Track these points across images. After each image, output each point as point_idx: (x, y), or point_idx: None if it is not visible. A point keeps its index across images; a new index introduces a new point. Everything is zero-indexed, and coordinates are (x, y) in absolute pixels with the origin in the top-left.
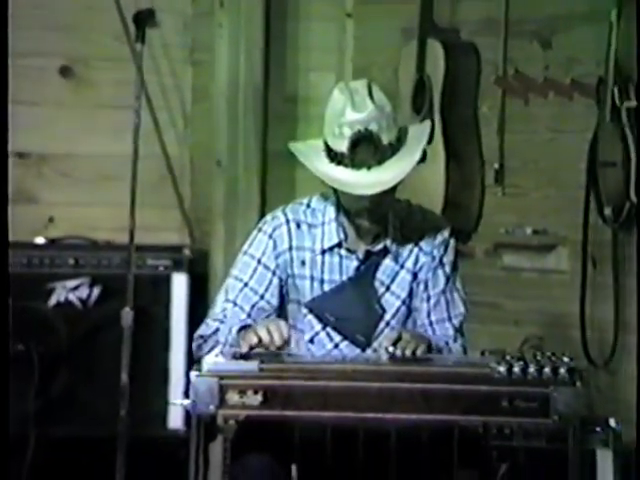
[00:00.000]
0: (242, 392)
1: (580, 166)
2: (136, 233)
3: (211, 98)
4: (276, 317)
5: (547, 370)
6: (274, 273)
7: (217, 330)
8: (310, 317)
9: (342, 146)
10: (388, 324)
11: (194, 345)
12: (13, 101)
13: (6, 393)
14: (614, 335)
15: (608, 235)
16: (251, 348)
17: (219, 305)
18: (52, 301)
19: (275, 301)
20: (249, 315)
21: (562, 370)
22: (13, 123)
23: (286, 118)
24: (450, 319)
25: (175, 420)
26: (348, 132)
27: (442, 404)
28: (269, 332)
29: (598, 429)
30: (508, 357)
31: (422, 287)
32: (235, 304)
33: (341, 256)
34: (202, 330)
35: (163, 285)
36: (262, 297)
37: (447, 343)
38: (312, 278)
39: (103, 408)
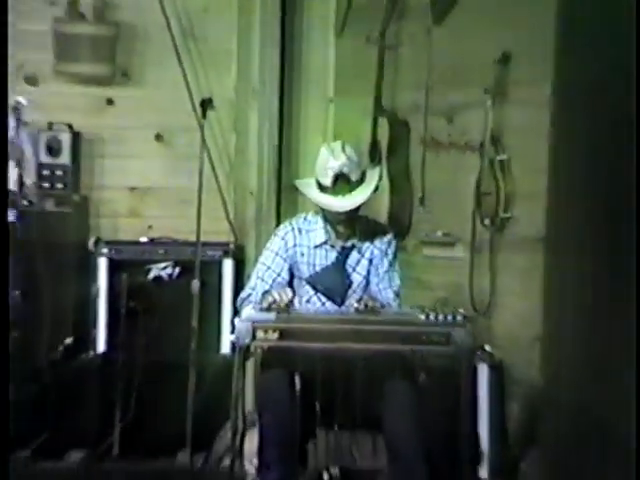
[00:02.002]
0: (265, 331)
1: (470, 194)
2: (201, 235)
3: (246, 152)
4: (286, 287)
5: (449, 317)
6: (285, 260)
7: (250, 295)
8: (307, 287)
9: (327, 182)
10: (354, 291)
11: (237, 303)
12: (129, 156)
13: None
14: (490, 295)
15: (487, 236)
16: (270, 305)
17: (252, 280)
18: (150, 276)
19: (286, 277)
20: (270, 286)
21: (459, 317)
22: (127, 169)
23: (292, 165)
24: (391, 287)
25: (225, 348)
26: (330, 173)
27: (387, 338)
28: (280, 295)
29: (479, 352)
30: (426, 310)
31: (374, 269)
32: (262, 280)
33: (326, 250)
34: (242, 295)
35: (217, 267)
36: (279, 275)
37: (389, 302)
38: (308, 263)
39: (182, 342)
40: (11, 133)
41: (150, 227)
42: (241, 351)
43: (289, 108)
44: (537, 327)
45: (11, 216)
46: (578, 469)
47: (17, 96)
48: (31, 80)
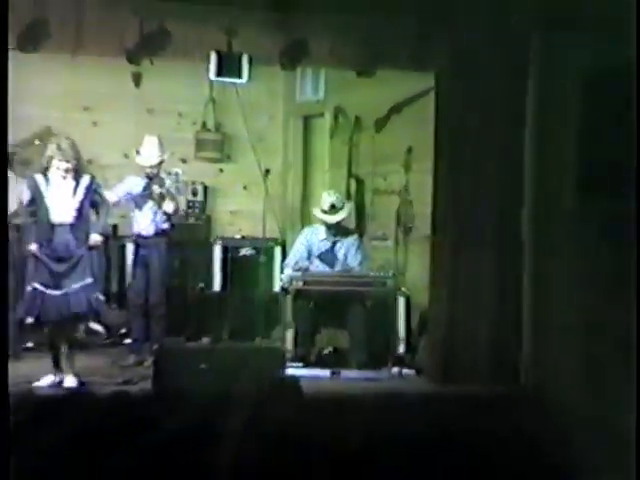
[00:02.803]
0: (297, 281)
1: (394, 215)
2: (265, 233)
3: (286, 196)
4: (305, 259)
5: (385, 274)
6: (306, 246)
7: (287, 265)
8: (317, 260)
9: (325, 208)
10: (339, 263)
11: (283, 266)
12: (230, 197)
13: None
14: (403, 265)
15: (401, 235)
16: (299, 268)
17: (290, 255)
18: (240, 253)
19: (305, 255)
20: (299, 259)
21: (389, 274)
22: (229, 203)
23: (309, 201)
24: (357, 261)
25: (277, 289)
26: (327, 204)
27: (353, 284)
28: (302, 263)
29: (398, 291)
30: (374, 271)
31: (349, 252)
32: (295, 255)
33: (325, 241)
34: (285, 262)
35: (272, 250)
36: (303, 253)
37: (355, 268)
38: (318, 248)
39: (256, 285)
40: (176, 186)
41: (240, 230)
42: (286, 291)
43: (305, 172)
44: (425, 280)
45: (167, 225)
46: None
47: (177, 169)
48: (184, 161)
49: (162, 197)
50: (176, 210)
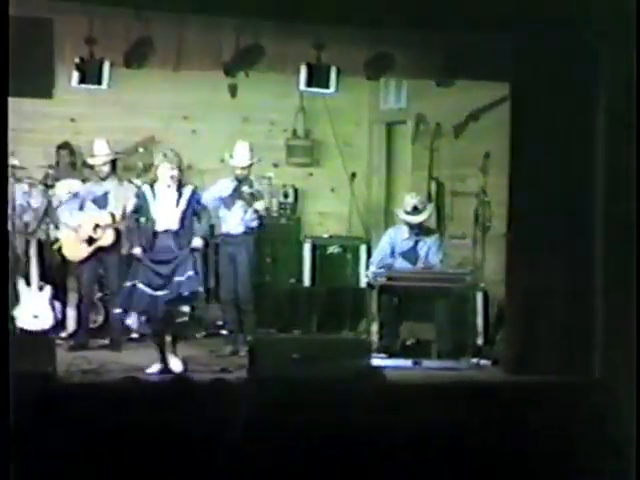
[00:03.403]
0: (381, 278)
1: (472, 216)
2: (350, 233)
3: (371, 196)
4: (389, 257)
5: (464, 270)
6: (390, 244)
7: (372, 262)
8: (400, 258)
9: (408, 209)
10: (420, 260)
11: (370, 263)
12: (320, 199)
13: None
14: (481, 261)
15: (479, 234)
16: (383, 265)
17: (376, 253)
18: (328, 251)
19: (389, 252)
20: (384, 256)
21: (468, 270)
22: (317, 205)
23: (393, 202)
24: (438, 258)
25: (362, 285)
26: (409, 206)
27: (435, 279)
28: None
29: (477, 286)
30: (454, 268)
31: (430, 250)
32: (380, 253)
33: (408, 240)
34: (371, 259)
35: (358, 248)
36: (387, 250)
37: (436, 265)
38: (401, 246)
39: (343, 278)
40: (269, 189)
41: (328, 230)
42: (372, 285)
43: (389, 175)
44: (502, 275)
45: (256, 223)
46: None
47: (270, 173)
48: (275, 165)
49: (252, 197)
50: (266, 208)
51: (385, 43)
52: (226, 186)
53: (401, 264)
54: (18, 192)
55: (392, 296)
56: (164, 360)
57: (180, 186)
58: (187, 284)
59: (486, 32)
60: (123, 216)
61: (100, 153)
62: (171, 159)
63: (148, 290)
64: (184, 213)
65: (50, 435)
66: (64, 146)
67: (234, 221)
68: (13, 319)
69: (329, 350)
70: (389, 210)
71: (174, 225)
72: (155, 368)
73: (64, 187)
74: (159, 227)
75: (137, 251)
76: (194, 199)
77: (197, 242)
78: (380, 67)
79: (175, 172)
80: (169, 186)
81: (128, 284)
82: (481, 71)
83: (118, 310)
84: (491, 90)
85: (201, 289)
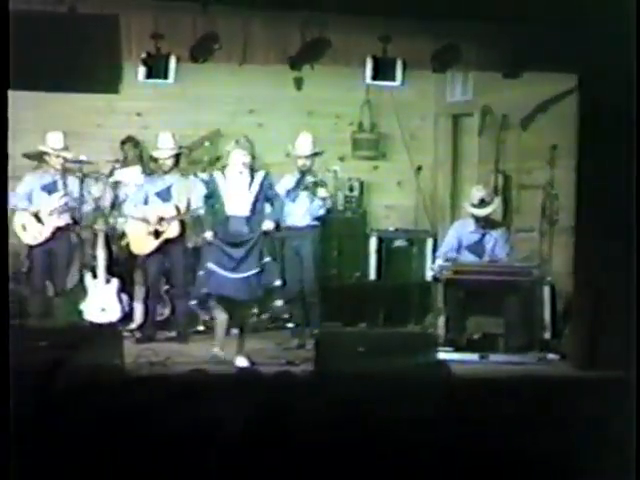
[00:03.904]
0: (447, 271)
1: (539, 208)
2: (418, 226)
3: (436, 190)
4: (455, 250)
5: (532, 264)
6: (457, 238)
7: (438, 256)
8: (466, 251)
9: (475, 202)
10: (487, 253)
11: (436, 256)
12: (386, 192)
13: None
14: (547, 254)
15: (546, 227)
16: (448, 259)
17: (442, 246)
18: (394, 245)
19: (457, 247)
20: (449, 250)
21: (535, 264)
22: (385, 197)
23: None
24: (505, 252)
25: (428, 278)
26: (476, 199)
27: (503, 273)
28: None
29: (544, 280)
30: (520, 261)
31: (497, 242)
32: (446, 246)
33: (475, 233)
34: (437, 253)
35: (424, 242)
36: (453, 245)
37: (503, 258)
38: (467, 239)
39: (410, 271)
40: (334, 183)
41: (394, 223)
42: (437, 279)
43: (455, 168)
44: (570, 269)
45: (322, 211)
46: None
47: (336, 167)
48: (341, 159)
49: (316, 185)
50: (330, 195)
51: (451, 35)
52: (289, 180)
53: (467, 257)
54: (86, 187)
55: (458, 290)
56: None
57: (252, 172)
58: (266, 271)
59: (553, 23)
60: (187, 208)
61: (165, 146)
62: (243, 145)
63: (222, 271)
64: (256, 198)
65: (117, 428)
66: (128, 140)
67: (299, 213)
68: (81, 312)
69: (395, 344)
70: (455, 203)
71: (246, 210)
72: (219, 354)
73: (124, 175)
74: (230, 212)
75: (208, 235)
76: (266, 184)
77: (268, 225)
78: (446, 59)
79: (247, 158)
80: (241, 172)
81: (201, 272)
82: (549, 62)
83: (194, 300)
84: (559, 82)
85: (278, 281)
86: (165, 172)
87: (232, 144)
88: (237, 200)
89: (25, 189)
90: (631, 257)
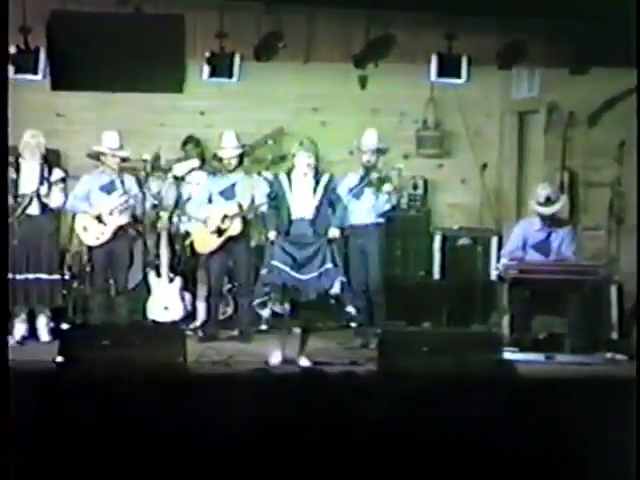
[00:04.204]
0: (513, 270)
1: (606, 207)
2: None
3: (502, 187)
4: (520, 249)
5: (597, 263)
6: (522, 237)
7: (503, 254)
8: (531, 250)
9: (541, 200)
10: (553, 252)
11: (501, 255)
12: (449, 190)
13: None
14: (616, 251)
15: (614, 225)
16: (513, 257)
17: (507, 245)
18: (459, 243)
19: (522, 246)
20: (514, 248)
21: (601, 263)
22: (448, 196)
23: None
24: (571, 250)
25: (493, 277)
26: (542, 197)
27: (569, 272)
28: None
29: (612, 279)
30: (586, 262)
31: (563, 240)
32: (511, 244)
33: (541, 232)
34: (502, 252)
35: (489, 240)
36: (519, 243)
37: (569, 258)
38: (533, 238)
39: (472, 271)
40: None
41: (458, 221)
42: (501, 278)
43: (520, 166)
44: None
45: (388, 206)
46: None
47: (400, 165)
48: (406, 157)
49: (380, 181)
50: (394, 188)
51: (517, 31)
52: (354, 176)
53: (533, 256)
54: (146, 185)
55: (524, 289)
56: (288, 352)
57: (317, 174)
58: (325, 277)
59: (618, 19)
60: (251, 206)
61: (228, 145)
62: (307, 147)
63: (286, 269)
64: (320, 201)
65: (179, 427)
66: (189, 140)
67: (364, 210)
68: (144, 311)
69: (459, 343)
70: (521, 201)
71: (310, 213)
72: (276, 359)
73: (184, 168)
74: (295, 215)
75: (272, 235)
76: (330, 187)
77: (334, 233)
78: (512, 56)
79: (311, 160)
80: (305, 174)
81: (264, 270)
82: (615, 59)
83: (257, 298)
84: (626, 78)
85: (338, 284)
86: (230, 171)
87: (296, 146)
88: (301, 203)
89: (83, 190)
90: None
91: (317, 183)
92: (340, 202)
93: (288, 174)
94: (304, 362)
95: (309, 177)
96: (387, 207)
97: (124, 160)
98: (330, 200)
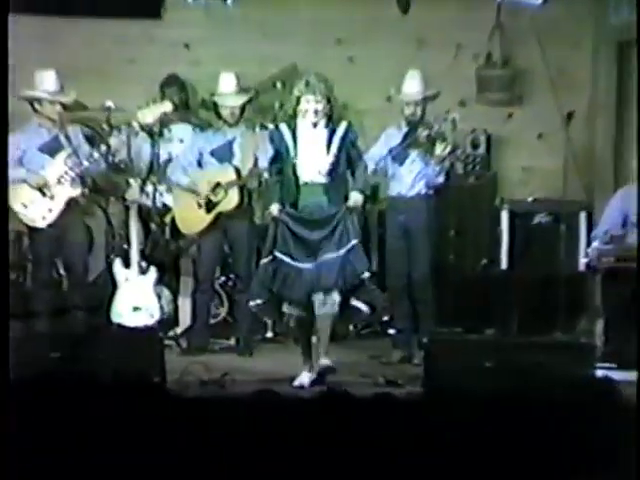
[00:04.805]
0: (609, 257)
1: None
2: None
3: (594, 150)
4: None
5: None
6: (622, 213)
7: (595, 236)
8: (637, 232)
9: None
10: None
11: (591, 238)
12: (518, 149)
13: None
14: None
15: None
16: (608, 242)
17: (599, 227)
18: (534, 221)
19: (622, 224)
20: (608, 232)
21: None
22: (518, 157)
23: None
24: None
25: (582, 267)
26: None
27: None
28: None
29: None
30: None
31: None
32: (605, 226)
33: None
34: (592, 234)
35: (577, 217)
36: (616, 223)
37: None
38: (636, 216)
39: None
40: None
41: (533, 191)
42: (593, 268)
43: (619, 115)
44: None
45: (440, 178)
46: None
47: (454, 114)
48: (462, 103)
49: (431, 140)
50: (452, 151)
51: None
52: (394, 135)
53: (637, 239)
54: (114, 143)
55: (623, 283)
56: (312, 367)
57: (330, 124)
58: (351, 258)
59: None
60: (251, 172)
61: (228, 91)
62: (315, 87)
63: (292, 262)
64: (336, 159)
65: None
66: (170, 82)
67: (408, 178)
68: (108, 312)
69: (535, 357)
70: (619, 163)
71: (323, 176)
72: (303, 379)
73: (151, 114)
74: (304, 179)
75: (274, 209)
76: (348, 140)
77: (356, 199)
78: None
79: (321, 105)
80: (315, 125)
81: (264, 260)
82: None
83: (254, 299)
84: None
85: (366, 272)
86: (229, 125)
87: (300, 86)
88: (311, 164)
89: (15, 152)
90: None
91: (332, 135)
92: (362, 160)
93: (289, 125)
94: (324, 361)
95: (319, 128)
96: (439, 180)
97: (66, 108)
98: (349, 157)
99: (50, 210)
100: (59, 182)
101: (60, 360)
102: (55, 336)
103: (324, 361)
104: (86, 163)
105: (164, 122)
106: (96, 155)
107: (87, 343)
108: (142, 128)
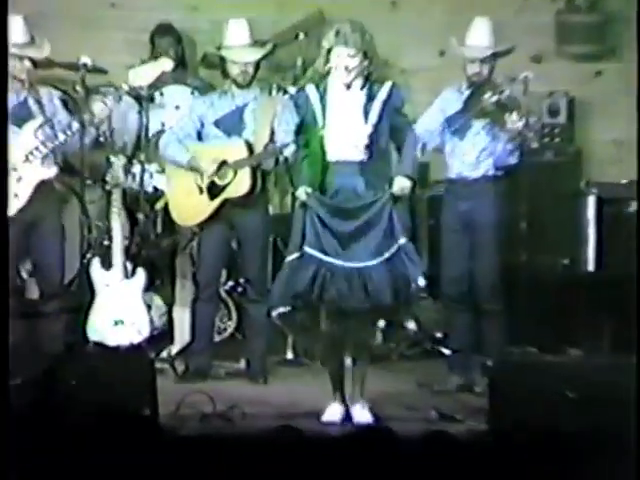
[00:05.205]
0: None
1: None
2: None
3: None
4: None
5: None
6: None
7: None
8: None
9: None
10: None
11: None
12: (614, 116)
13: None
14: None
15: None
16: None
17: None
18: (630, 209)
19: None
20: None
21: None
22: (609, 127)
23: None
24: None
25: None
26: None
27: None
28: None
29: None
30: None
31: None
32: None
33: None
34: None
35: None
36: None
37: None
38: None
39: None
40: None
41: (628, 174)
42: None
43: None
44: None
45: (512, 158)
46: None
47: (527, 72)
48: (537, 58)
49: (501, 108)
50: (527, 124)
51: None
52: (453, 99)
53: None
54: (97, 110)
55: None
56: (343, 398)
57: (368, 85)
58: (400, 261)
59: None
60: (267, 147)
61: (239, 43)
62: (348, 38)
63: (325, 258)
64: (375, 128)
65: None
66: (161, 31)
67: (470, 156)
68: (84, 326)
69: (632, 384)
70: None
71: (359, 152)
72: (335, 413)
73: (148, 74)
74: (334, 157)
75: (301, 193)
76: (392, 106)
77: (402, 184)
78: None
79: (356, 61)
80: (348, 86)
81: (290, 257)
82: None
83: (276, 307)
84: None
85: (422, 280)
86: (239, 86)
87: (330, 37)
88: (344, 135)
89: None
90: None
91: (369, 100)
92: (411, 132)
93: (318, 86)
94: (361, 414)
95: (355, 90)
96: (510, 160)
97: (37, 65)
98: (393, 127)
99: (16, 196)
100: (27, 160)
101: (20, 388)
102: (18, 356)
103: (361, 414)
104: (62, 136)
105: (155, 85)
106: (75, 126)
107: (57, 366)
108: (129, 92)
